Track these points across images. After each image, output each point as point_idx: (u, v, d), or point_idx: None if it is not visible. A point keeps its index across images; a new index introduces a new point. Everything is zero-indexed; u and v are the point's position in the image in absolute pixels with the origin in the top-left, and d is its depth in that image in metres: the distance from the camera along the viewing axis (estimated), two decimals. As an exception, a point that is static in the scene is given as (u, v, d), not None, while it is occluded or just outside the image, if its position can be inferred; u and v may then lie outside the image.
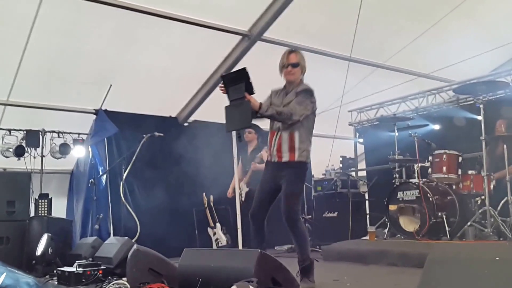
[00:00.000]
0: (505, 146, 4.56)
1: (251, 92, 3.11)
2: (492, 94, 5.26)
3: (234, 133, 3.87)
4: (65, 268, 3.69)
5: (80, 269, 3.59)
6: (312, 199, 6.55)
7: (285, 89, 3.43)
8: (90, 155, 6.01)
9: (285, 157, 3.30)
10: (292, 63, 3.36)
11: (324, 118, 6.49)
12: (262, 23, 5.10)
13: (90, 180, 5.66)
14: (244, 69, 3.12)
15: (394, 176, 5.46)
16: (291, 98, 3.31)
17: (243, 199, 5.75)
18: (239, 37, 5.35)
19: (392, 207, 5.02)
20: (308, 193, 6.56)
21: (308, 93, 3.36)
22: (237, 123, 3.23)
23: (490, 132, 4.67)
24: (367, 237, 5.17)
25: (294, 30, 5.32)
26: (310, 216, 6.28)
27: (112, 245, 4.07)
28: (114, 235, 5.15)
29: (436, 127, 6.14)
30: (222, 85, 3.20)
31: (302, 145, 3.31)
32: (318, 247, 5.50)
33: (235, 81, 3.14)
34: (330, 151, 6.40)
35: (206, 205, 6.02)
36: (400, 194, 5.00)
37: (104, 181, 5.67)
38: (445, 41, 5.76)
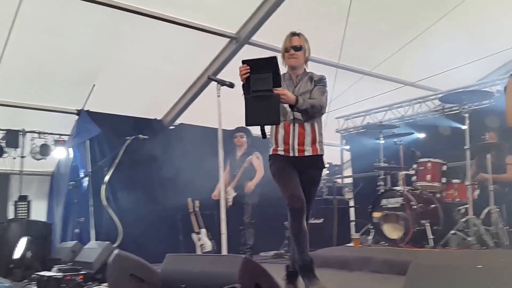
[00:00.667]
0: (489, 155, 4.61)
1: (278, 84, 2.84)
2: (478, 104, 5.34)
3: (219, 136, 3.75)
4: (44, 273, 3.62)
5: (59, 274, 3.51)
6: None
7: (290, 78, 3.17)
8: (72, 157, 5.89)
9: (308, 151, 3.07)
10: (294, 45, 3.11)
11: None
12: (250, 26, 5.09)
13: (71, 183, 5.56)
14: (274, 57, 2.83)
15: (379, 183, 5.49)
16: (308, 87, 3.09)
17: (230, 203, 5.70)
18: (227, 40, 5.33)
19: (377, 214, 5.02)
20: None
21: (324, 82, 3.14)
22: (262, 118, 2.89)
23: (475, 142, 4.72)
24: (352, 244, 5.17)
25: (282, 35, 5.30)
26: (295, 222, 6.25)
27: (93, 249, 4.01)
28: (95, 239, 5.04)
29: (422, 135, 6.21)
30: (246, 69, 2.83)
31: (321, 137, 3.13)
32: (302, 253, 5.48)
33: (261, 70, 2.82)
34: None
35: (191, 210, 5.94)
36: (384, 202, 5.01)
37: (85, 184, 5.55)
38: (431, 50, 5.82)
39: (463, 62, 5.43)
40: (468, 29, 5.56)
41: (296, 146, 3.06)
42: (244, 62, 2.87)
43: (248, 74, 2.82)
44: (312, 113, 3.00)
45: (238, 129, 5.94)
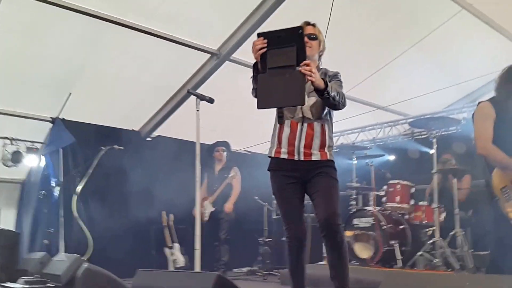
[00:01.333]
0: (454, 180, 4.81)
1: (303, 60, 2.36)
2: (445, 130, 5.59)
3: (197, 149, 3.70)
4: (10, 284, 3.55)
5: (26, 286, 3.43)
6: (272, 222, 6.58)
7: None
8: (44, 165, 5.78)
9: (316, 156, 2.65)
10: (309, 33, 2.72)
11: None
12: (231, 44, 5.15)
13: (41, 192, 5.44)
14: (300, 27, 2.39)
15: (351, 203, 5.61)
16: None
17: (206, 218, 5.69)
18: (207, 55, 5.37)
19: (348, 233, 5.11)
20: (269, 216, 6.60)
21: (339, 77, 2.80)
22: (281, 98, 2.39)
23: (441, 166, 4.91)
24: (323, 262, 5.22)
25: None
26: (269, 239, 6.30)
27: (61, 262, 3.89)
28: (64, 251, 4.93)
29: (392, 157, 6.44)
30: (263, 43, 2.38)
31: (331, 141, 2.74)
32: (275, 270, 5.52)
33: (282, 43, 2.35)
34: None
35: (165, 224, 5.88)
36: (356, 221, 5.12)
37: (56, 194, 5.44)
38: (402, 77, 6.03)
39: (431, 90, 5.64)
40: (436, 60, 5.81)
41: (302, 149, 2.65)
42: (260, 35, 2.41)
43: (265, 50, 2.38)
44: (338, 103, 2.57)
45: (219, 143, 5.96)
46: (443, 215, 4.97)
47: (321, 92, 2.47)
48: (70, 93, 5.24)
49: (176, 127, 6.00)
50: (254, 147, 7.09)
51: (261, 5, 4.69)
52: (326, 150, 2.68)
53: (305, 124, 2.66)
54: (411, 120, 5.70)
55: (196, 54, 5.29)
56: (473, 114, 3.49)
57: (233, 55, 5.31)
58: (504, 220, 3.22)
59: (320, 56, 2.87)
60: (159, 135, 6.48)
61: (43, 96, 5.41)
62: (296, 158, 2.66)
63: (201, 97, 3.72)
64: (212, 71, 5.40)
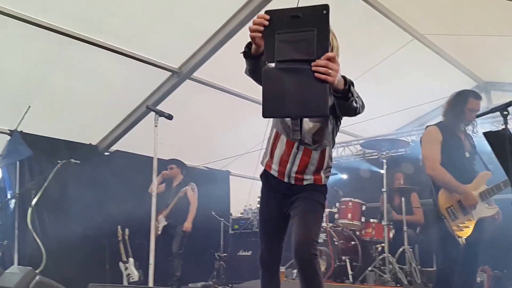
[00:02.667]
0: (402, 198, 5.07)
1: (325, 51, 1.64)
2: (395, 151, 5.87)
3: (154, 164, 3.76)
4: (-42, 297, 3.45)
5: (-25, 299, 3.37)
6: (228, 237, 6.66)
7: None
8: (0, 177, 5.67)
9: (308, 181, 2.35)
10: None
11: (245, 160, 6.77)
12: (192, 63, 5.23)
13: (-4, 204, 5.33)
14: (325, 5, 1.62)
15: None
16: None
17: (159, 232, 5.70)
18: (168, 73, 5.44)
19: (302, 249, 5.25)
20: (225, 231, 6.68)
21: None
22: (294, 106, 1.68)
23: (391, 185, 5.18)
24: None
25: (224, 73, 5.55)
26: (225, 254, 6.37)
27: (14, 274, 3.84)
28: (18, 264, 4.84)
29: (344, 176, 6.68)
30: (264, 22, 1.68)
31: (331, 161, 2.40)
32: (230, 285, 5.59)
33: (297, 26, 1.64)
34: (249, 191, 6.62)
35: (120, 238, 5.85)
36: (309, 237, 5.26)
37: (12, 206, 5.35)
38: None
39: (382, 113, 5.92)
40: (387, 86, 6.07)
41: (293, 174, 2.34)
42: (268, 12, 1.71)
43: (262, 32, 1.71)
44: (361, 107, 2.05)
45: (170, 161, 6.02)
46: (392, 232, 5.15)
47: (340, 94, 1.88)
48: (29, 106, 5.19)
49: (135, 142, 6.01)
50: (212, 163, 7.20)
51: (225, 26, 4.82)
52: (322, 173, 2.36)
53: (302, 148, 2.29)
54: (363, 141, 5.97)
55: (157, 72, 5.35)
56: (421, 138, 3.66)
57: (193, 74, 5.40)
58: (450, 238, 3.38)
59: None
60: (117, 150, 6.45)
61: (2, 108, 5.34)
62: (286, 181, 2.37)
63: (160, 113, 3.81)
64: (172, 89, 5.46)
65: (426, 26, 5.24)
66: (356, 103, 1.97)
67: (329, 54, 1.65)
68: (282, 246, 2.50)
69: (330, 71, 1.65)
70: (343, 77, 1.86)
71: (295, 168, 2.32)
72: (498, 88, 6.46)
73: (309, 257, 2.23)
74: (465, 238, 3.35)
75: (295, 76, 1.67)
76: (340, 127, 2.44)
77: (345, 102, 1.91)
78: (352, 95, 1.91)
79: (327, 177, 2.40)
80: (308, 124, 2.27)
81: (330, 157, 2.39)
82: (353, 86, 1.92)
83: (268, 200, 2.47)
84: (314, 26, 1.63)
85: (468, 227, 3.36)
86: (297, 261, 2.24)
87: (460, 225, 3.37)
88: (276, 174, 2.38)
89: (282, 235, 2.48)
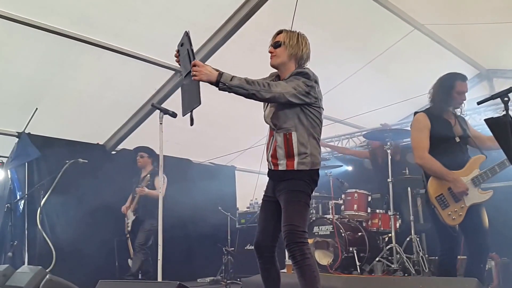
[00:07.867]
0: (409, 188, 5.08)
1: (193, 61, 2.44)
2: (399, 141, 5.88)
3: (161, 161, 3.66)
4: (-28, 297, 3.52)
5: (-12, 298, 3.43)
6: (235, 231, 6.72)
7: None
8: (10, 179, 5.75)
9: (282, 166, 2.60)
10: (273, 42, 2.68)
11: (250, 154, 6.81)
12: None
13: (6, 205, 5.41)
14: (185, 32, 2.54)
15: (311, 211, 5.80)
16: None
17: (129, 228, 5.63)
18: (172, 72, 5.50)
19: (309, 241, 5.29)
20: (232, 226, 6.73)
21: (301, 74, 2.58)
22: (187, 103, 2.57)
23: (396, 175, 5.19)
24: (285, 270, 5.35)
25: (223, 70, 5.53)
26: (232, 249, 6.43)
27: (25, 274, 3.90)
28: (28, 263, 4.92)
29: (349, 168, 6.69)
30: (176, 54, 2.63)
31: (303, 148, 2.57)
32: (238, 279, 5.64)
33: (183, 50, 2.53)
34: (255, 185, 6.65)
35: (128, 235, 5.90)
36: (316, 229, 5.26)
37: (21, 207, 5.43)
38: (358, 93, 6.29)
39: (385, 104, 5.93)
40: (389, 76, 6.10)
41: (269, 159, 2.68)
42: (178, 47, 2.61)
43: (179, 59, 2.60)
44: (255, 93, 2.45)
45: (138, 149, 5.85)
46: (399, 221, 5.17)
47: (216, 86, 2.41)
48: (36, 108, 5.27)
49: (141, 141, 6.06)
50: (217, 159, 7.25)
51: (223, 26, 4.89)
52: (294, 159, 2.56)
53: (275, 134, 2.63)
54: (366, 132, 5.98)
55: (160, 71, 5.41)
56: (411, 125, 3.63)
57: (197, 72, 5.45)
58: (442, 227, 3.36)
59: (296, 60, 2.69)
60: (123, 148, 6.53)
61: (9, 111, 5.42)
62: (269, 167, 2.71)
63: (165, 111, 3.84)
64: (176, 87, 5.51)
65: (426, 16, 5.24)
66: (245, 89, 2.42)
67: (193, 62, 2.40)
68: (276, 235, 2.68)
69: (195, 72, 2.37)
70: (219, 72, 2.40)
71: (270, 153, 2.66)
72: (500, 75, 6.45)
73: (295, 246, 2.50)
74: (458, 225, 3.32)
75: (186, 82, 2.53)
76: (316, 116, 2.67)
77: (227, 90, 2.42)
78: (225, 85, 2.39)
79: (303, 163, 2.56)
80: (268, 108, 2.71)
81: (301, 143, 2.57)
82: (233, 79, 2.41)
83: (268, 185, 2.77)
84: (187, 47, 2.46)
85: (460, 214, 3.30)
86: (286, 248, 2.52)
87: (451, 213, 3.32)
88: (267, 164, 2.73)
89: (276, 222, 2.63)
